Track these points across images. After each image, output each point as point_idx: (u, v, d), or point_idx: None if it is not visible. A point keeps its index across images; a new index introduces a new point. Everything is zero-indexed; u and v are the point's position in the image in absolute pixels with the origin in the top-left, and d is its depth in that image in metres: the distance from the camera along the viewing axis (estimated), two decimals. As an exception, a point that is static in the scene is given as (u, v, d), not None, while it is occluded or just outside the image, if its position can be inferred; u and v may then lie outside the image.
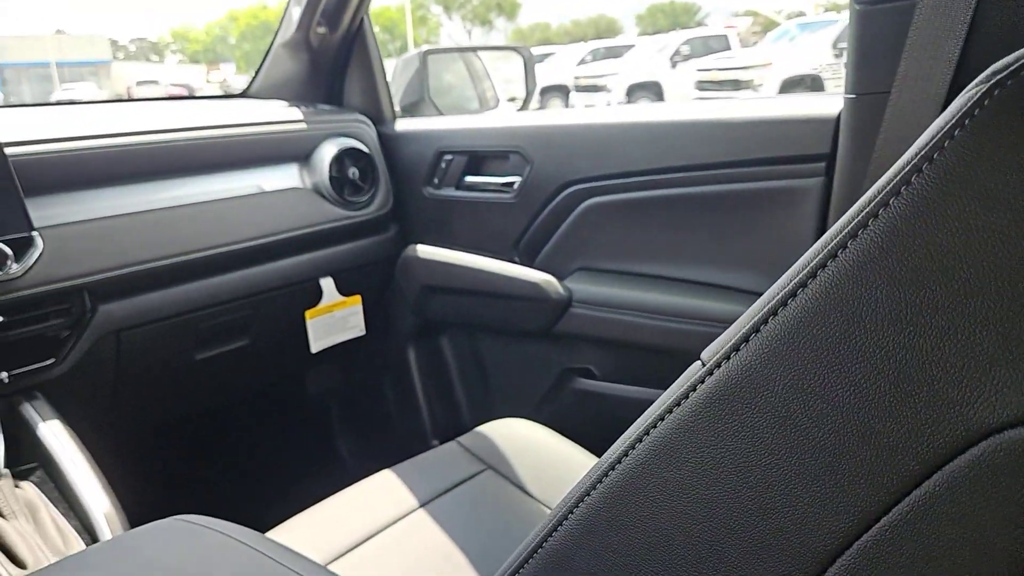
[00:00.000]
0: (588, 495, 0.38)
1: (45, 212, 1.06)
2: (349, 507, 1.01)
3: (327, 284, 1.47)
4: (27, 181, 1.03)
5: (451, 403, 1.66)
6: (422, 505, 0.99)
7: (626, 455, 0.35)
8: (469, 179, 1.46)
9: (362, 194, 1.48)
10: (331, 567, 0.89)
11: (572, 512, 0.39)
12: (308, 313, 1.45)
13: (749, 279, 1.12)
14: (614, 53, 14.63)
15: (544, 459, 1.07)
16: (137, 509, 0.97)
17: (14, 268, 1.00)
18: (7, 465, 0.91)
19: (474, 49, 2.40)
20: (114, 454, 1.04)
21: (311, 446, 1.90)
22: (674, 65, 12.70)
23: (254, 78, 1.65)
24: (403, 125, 1.58)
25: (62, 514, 0.92)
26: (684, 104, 1.37)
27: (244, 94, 1.67)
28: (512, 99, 2.76)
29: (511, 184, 1.39)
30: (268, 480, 1.75)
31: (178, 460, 1.65)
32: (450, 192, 1.49)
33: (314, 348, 1.48)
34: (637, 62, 13.28)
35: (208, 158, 1.30)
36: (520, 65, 1.84)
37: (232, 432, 1.80)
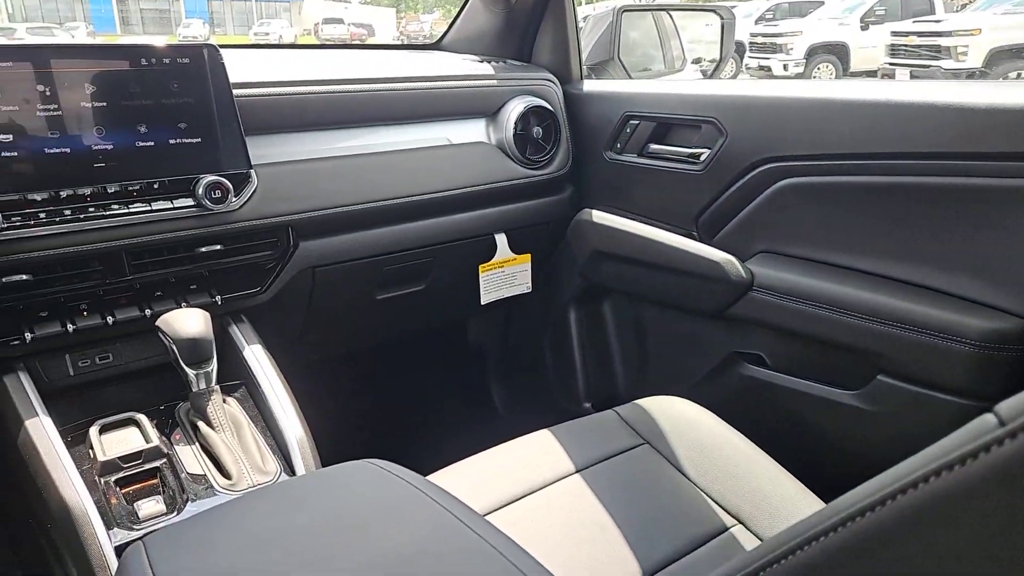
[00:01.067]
0: (821, 539, 0.35)
1: (260, 151, 1.15)
2: (507, 462, 1.04)
3: (501, 240, 1.49)
4: (247, 121, 1.11)
5: (607, 370, 1.66)
6: (578, 471, 1.00)
7: (882, 504, 0.32)
8: (654, 147, 1.42)
9: (543, 154, 1.48)
10: (488, 519, 0.93)
11: (794, 554, 0.36)
12: (481, 267, 1.49)
13: (970, 286, 1.01)
14: (799, 11, 13.54)
15: (705, 442, 1.04)
16: (313, 433, 1.05)
17: (233, 202, 1.09)
18: (216, 381, 1.01)
19: (670, 7, 2.30)
20: (297, 380, 1.13)
21: (467, 394, 1.97)
22: (866, 27, 11.57)
23: (447, 30, 1.68)
24: (590, 86, 1.55)
25: (260, 431, 1.01)
26: (908, 83, 1.23)
27: (437, 46, 1.70)
28: (697, 60, 2.64)
29: (699, 156, 1.33)
30: (427, 422, 1.85)
31: (350, 393, 1.77)
32: (632, 158, 1.45)
33: (484, 300, 1.52)
34: (823, 21, 12.22)
35: (404, 109, 1.35)
36: (716, 26, 1.74)
37: (398, 372, 1.90)
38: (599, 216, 1.51)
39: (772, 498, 0.94)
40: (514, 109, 1.43)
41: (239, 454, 0.95)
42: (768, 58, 12.66)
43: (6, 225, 0.92)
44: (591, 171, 1.54)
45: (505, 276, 1.54)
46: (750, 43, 13.33)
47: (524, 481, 0.98)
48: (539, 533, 0.88)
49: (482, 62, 1.52)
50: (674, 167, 1.38)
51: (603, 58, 1.65)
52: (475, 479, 0.99)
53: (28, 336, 0.99)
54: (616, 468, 1.01)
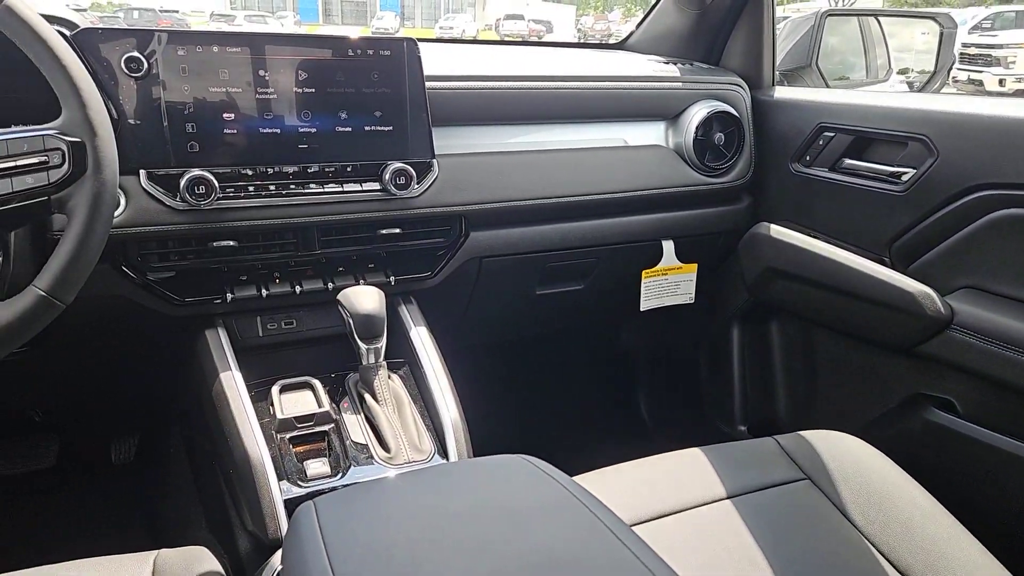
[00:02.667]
0: None
1: (442, 142, 1.19)
2: (656, 476, 1.01)
3: (668, 247, 1.45)
4: (434, 112, 1.15)
5: (768, 394, 1.57)
6: (730, 497, 0.95)
7: None
8: (849, 162, 1.31)
9: (723, 161, 1.41)
10: (634, 530, 0.90)
11: None
12: (644, 272, 1.46)
13: None
14: None
15: (875, 486, 0.95)
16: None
17: (415, 189, 1.14)
18: (384, 357, 1.07)
19: (881, 13, 2.12)
20: (453, 363, 1.17)
21: (615, 399, 1.95)
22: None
23: (634, 30, 1.65)
24: (782, 93, 1.47)
25: (418, 411, 1.05)
26: None
27: (622, 46, 1.68)
28: (904, 71, 2.42)
29: (901, 175, 1.21)
30: (572, 421, 1.84)
31: (500, 382, 1.81)
32: (822, 172, 1.35)
33: (643, 306, 1.48)
34: (1058, 34, 10.80)
35: (583, 108, 1.34)
36: (933, 35, 1.58)
37: (548, 368, 1.92)
38: (777, 231, 1.42)
39: (951, 561, 0.84)
40: (697, 113, 1.38)
41: (398, 429, 0.99)
42: (981, 71, 11.42)
43: (221, 195, 1.01)
44: (773, 183, 1.46)
45: (668, 284, 1.50)
46: (960, 54, 12.09)
47: (672, 498, 0.95)
48: (685, 555, 0.85)
49: (667, 63, 1.48)
50: (870, 186, 1.27)
51: (798, 64, 1.56)
52: (623, 488, 0.97)
53: (229, 296, 1.09)
54: (772, 501, 0.95)
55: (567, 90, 1.31)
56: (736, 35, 1.52)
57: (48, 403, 1.52)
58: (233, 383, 1.00)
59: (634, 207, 1.38)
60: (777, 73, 1.55)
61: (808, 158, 1.38)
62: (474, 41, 4.57)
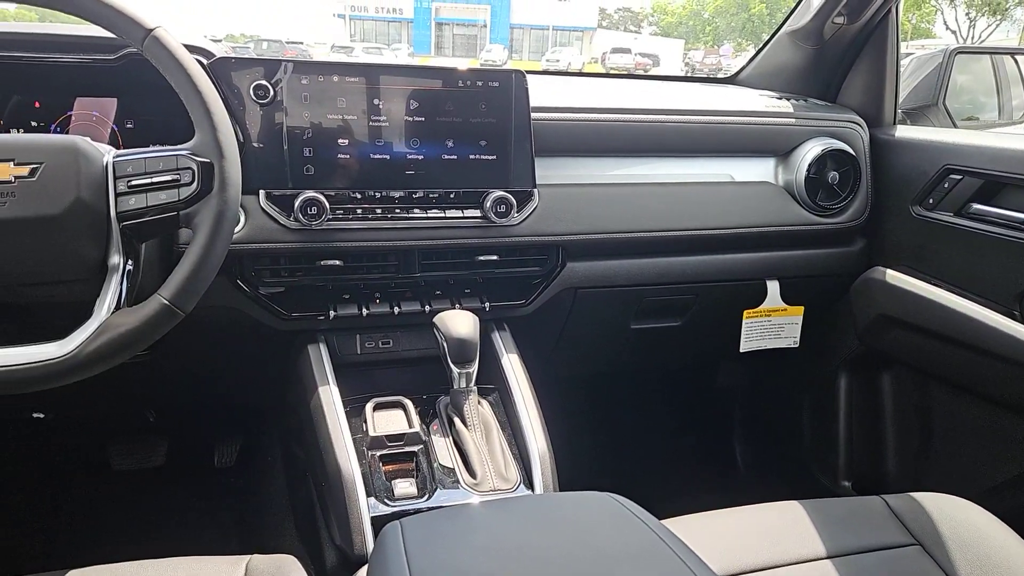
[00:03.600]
0: None
1: (543, 172, 1.20)
2: (750, 527, 0.96)
3: (773, 287, 1.39)
4: (536, 142, 1.16)
5: (876, 449, 1.47)
6: (830, 557, 0.90)
7: None
8: (978, 207, 1.22)
9: (836, 201, 1.35)
10: None
11: None
12: (746, 312, 1.41)
13: None
14: None
15: (996, 559, 0.87)
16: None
17: (515, 217, 1.15)
18: (475, 382, 1.07)
19: (1016, 51, 1.99)
20: (542, 393, 1.16)
21: (708, 441, 1.88)
22: None
23: (746, 65, 1.62)
24: (904, 132, 1.39)
25: (506, 439, 1.05)
26: None
27: (733, 80, 1.65)
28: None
29: (1038, 223, 1.12)
30: (661, 461, 1.79)
31: (589, 415, 1.79)
32: (946, 217, 1.27)
33: (743, 348, 1.43)
34: None
35: (688, 142, 1.32)
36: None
37: (639, 404, 1.88)
38: (893, 276, 1.34)
39: None
40: (810, 151, 1.33)
41: (485, 456, 0.99)
42: None
43: (331, 216, 1.06)
44: (891, 226, 1.38)
45: (771, 326, 1.44)
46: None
47: (767, 552, 0.90)
48: None
49: (780, 99, 1.43)
50: (1000, 233, 1.18)
51: (923, 103, 1.47)
52: (714, 536, 0.93)
53: (332, 313, 1.13)
54: (877, 565, 0.89)
55: (672, 123, 1.29)
56: (856, 71, 1.46)
57: (162, 405, 1.61)
58: (330, 398, 1.03)
59: (738, 244, 1.34)
60: (899, 112, 1.47)
61: (931, 201, 1.30)
62: (579, 73, 4.61)
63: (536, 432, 1.04)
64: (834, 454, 1.52)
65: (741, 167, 1.37)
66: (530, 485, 0.99)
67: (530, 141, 1.15)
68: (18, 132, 1.08)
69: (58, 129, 1.09)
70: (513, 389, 1.10)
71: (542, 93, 1.21)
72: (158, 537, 1.50)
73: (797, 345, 1.46)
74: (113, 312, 0.78)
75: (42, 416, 1.35)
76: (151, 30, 0.78)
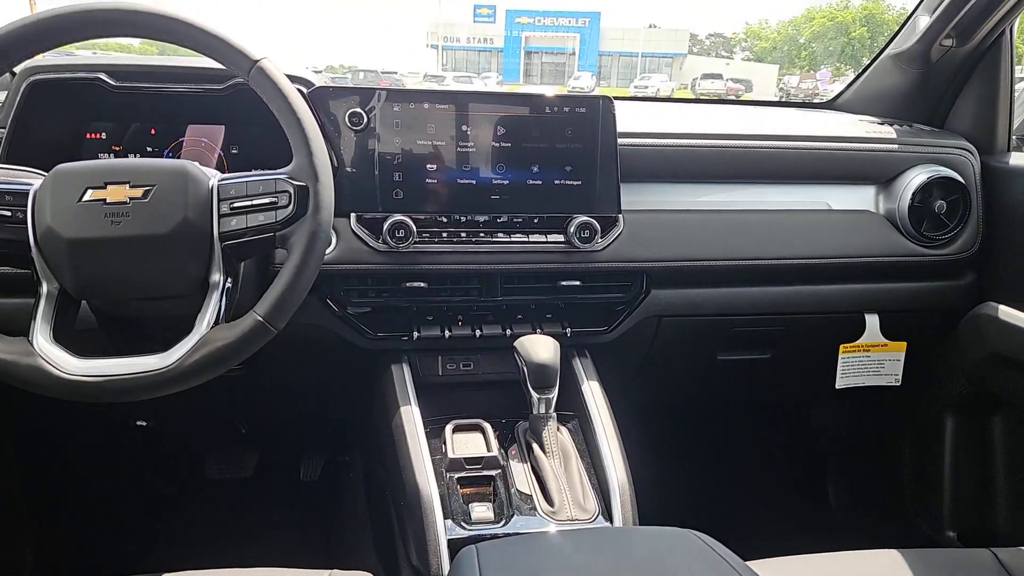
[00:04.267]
0: None
1: (629, 197, 1.18)
2: (844, 573, 0.91)
3: (872, 321, 1.32)
4: (623, 168, 1.15)
5: (986, 498, 1.36)
6: None
7: None
8: None
9: (943, 231, 1.28)
10: None
11: None
12: (842, 347, 1.34)
13: None
14: None
15: None
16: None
17: (599, 243, 1.15)
18: (554, 408, 1.06)
19: None
20: (623, 422, 1.13)
21: (798, 481, 1.79)
22: None
23: (845, 89, 1.56)
24: (1020, 159, 1.30)
25: (584, 468, 1.03)
26: None
27: (831, 105, 1.60)
28: None
29: None
30: (747, 498, 1.72)
31: (672, 447, 1.73)
32: None
33: (839, 384, 1.36)
34: None
35: (782, 168, 1.28)
36: None
37: (725, 438, 1.81)
38: (1007, 313, 1.25)
39: None
40: (915, 178, 1.26)
41: (563, 484, 0.98)
42: None
43: (418, 239, 1.08)
44: (1005, 258, 1.29)
45: (870, 362, 1.36)
46: None
47: None
48: None
49: (882, 124, 1.37)
50: None
51: (1042, 127, 1.38)
52: None
53: (415, 334, 1.15)
54: None
55: (764, 149, 1.26)
56: (965, 96, 1.38)
57: (253, 418, 1.68)
58: (412, 418, 1.05)
59: (834, 275, 1.28)
60: (1014, 138, 1.38)
61: None
62: (668, 99, 4.57)
63: (616, 462, 1.01)
64: (938, 501, 1.42)
65: (838, 195, 1.31)
66: (609, 517, 0.96)
67: (616, 166, 1.15)
68: (135, 156, 1.16)
69: (170, 154, 1.17)
70: (593, 417, 1.09)
71: (629, 118, 1.20)
72: (245, 545, 1.55)
73: (899, 383, 1.38)
74: (212, 327, 0.81)
75: (145, 424, 1.43)
76: (257, 61, 0.83)
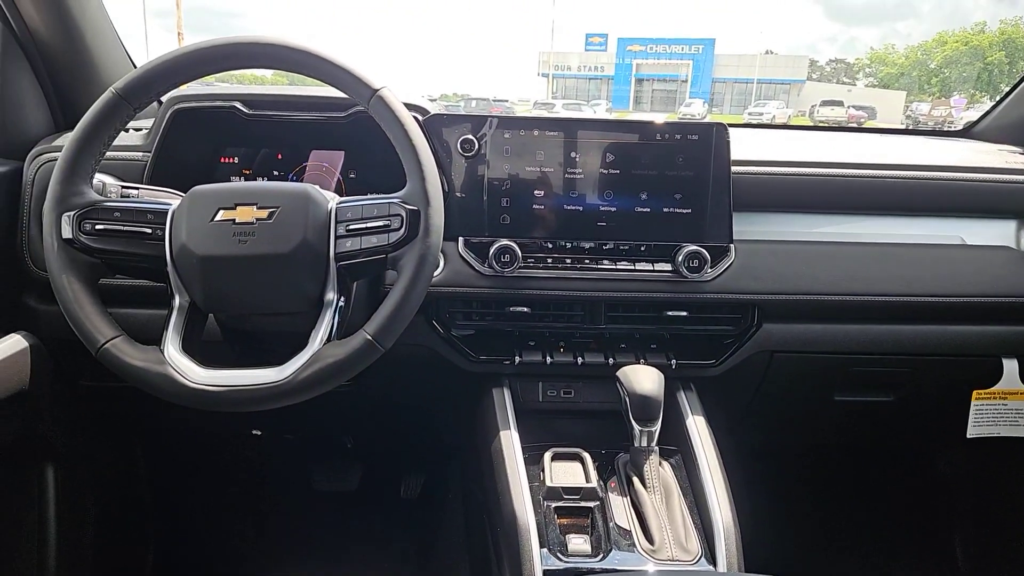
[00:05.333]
0: None
1: (741, 227, 1.14)
2: None
3: (1010, 366, 1.21)
4: (736, 196, 1.12)
5: None
6: None
7: None
8: None
9: None
10: None
11: None
12: (975, 393, 1.23)
13: None
14: None
15: None
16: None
17: (708, 273, 1.11)
18: (657, 442, 1.03)
19: None
20: (729, 461, 1.08)
21: (921, 532, 1.65)
22: None
23: (983, 117, 1.45)
24: None
25: (687, 506, 0.99)
26: None
27: (966, 133, 1.49)
28: None
29: None
30: (863, 548, 1.60)
31: (779, 490, 1.64)
32: None
33: (970, 433, 1.25)
34: None
35: (910, 200, 1.20)
36: None
37: (839, 483, 1.70)
38: None
39: None
40: None
41: (664, 521, 0.94)
42: None
43: (523, 264, 1.09)
44: None
45: (1007, 411, 1.25)
46: None
47: None
48: None
49: None
50: None
51: None
52: None
53: (517, 359, 1.15)
54: None
55: (890, 179, 1.19)
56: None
57: (359, 433, 1.73)
58: (511, 443, 1.04)
59: (967, 315, 1.18)
60: None
61: None
62: (784, 126, 4.41)
63: (722, 502, 0.97)
64: None
65: (974, 229, 1.22)
66: (712, 560, 0.92)
67: (729, 195, 1.11)
68: (264, 179, 1.23)
69: (294, 177, 1.23)
70: (698, 453, 1.05)
71: (743, 146, 1.17)
72: (345, 558, 1.59)
73: None
74: (325, 343, 0.85)
75: (259, 433, 1.50)
76: (377, 90, 0.86)
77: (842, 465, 1.68)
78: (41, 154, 1.14)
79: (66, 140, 0.86)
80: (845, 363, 1.22)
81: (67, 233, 0.83)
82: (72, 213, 0.84)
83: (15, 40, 1.17)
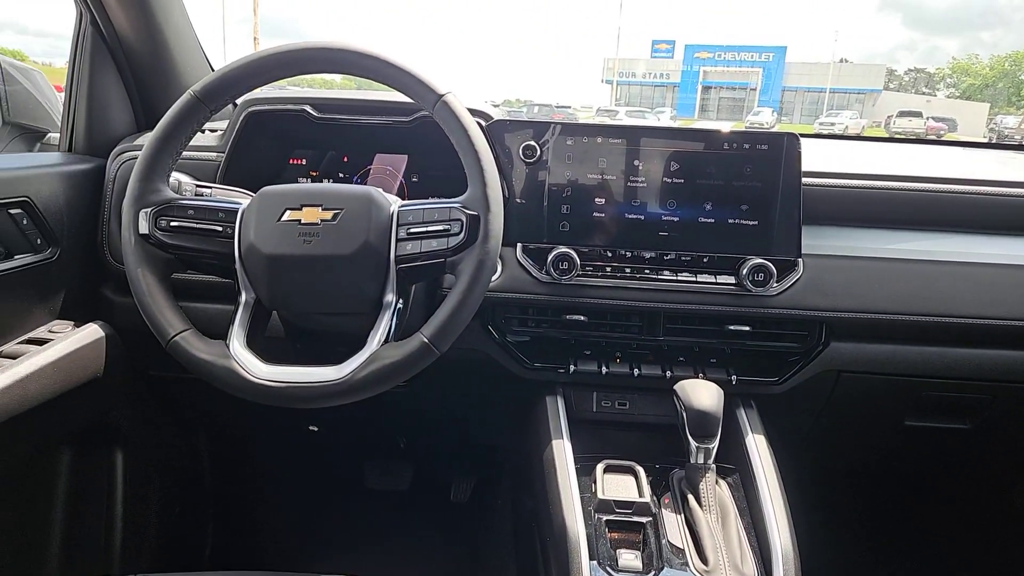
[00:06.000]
0: None
1: (811, 241, 1.11)
2: None
3: None
4: (805, 209, 1.08)
5: None
6: None
7: None
8: None
9: None
10: None
11: None
12: (1061, 424, 1.16)
13: None
14: None
15: None
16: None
17: (774, 287, 1.08)
18: (714, 460, 1.00)
19: None
20: (789, 484, 1.05)
21: (998, 569, 1.56)
22: None
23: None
24: None
25: (744, 527, 0.96)
26: None
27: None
28: None
29: None
30: None
31: (845, 516, 1.58)
32: None
33: None
34: None
35: (993, 217, 1.15)
36: None
37: (910, 513, 1.62)
38: None
39: None
40: None
41: (720, 542, 0.91)
42: None
43: (581, 272, 1.08)
44: None
45: (1096, 446, 1.17)
46: None
47: None
48: None
49: None
50: None
51: None
52: None
53: (572, 368, 1.14)
54: None
55: (970, 195, 1.13)
56: None
57: (412, 434, 1.75)
58: (563, 453, 1.03)
59: None
60: None
61: None
62: (858, 137, 4.28)
63: (781, 525, 0.94)
64: None
65: None
66: None
67: (798, 207, 1.08)
68: (329, 181, 1.26)
69: (358, 180, 1.26)
70: (757, 474, 1.01)
71: (813, 157, 1.13)
72: (395, 555, 1.60)
73: None
74: (382, 345, 0.86)
75: (316, 429, 1.53)
76: (442, 95, 0.87)
77: (910, 494, 1.60)
78: (123, 152, 1.19)
79: (146, 140, 0.89)
80: (918, 387, 1.17)
81: (143, 229, 0.87)
82: (149, 210, 0.87)
83: (104, 44, 1.23)
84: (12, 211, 1.03)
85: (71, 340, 1.08)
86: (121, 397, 1.27)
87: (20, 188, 1.05)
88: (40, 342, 1.06)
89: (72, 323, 1.13)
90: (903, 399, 1.19)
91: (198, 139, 1.00)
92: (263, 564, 0.89)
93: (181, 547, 1.55)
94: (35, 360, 1.00)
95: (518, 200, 1.10)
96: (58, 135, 1.33)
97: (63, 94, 1.27)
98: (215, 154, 1.18)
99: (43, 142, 1.75)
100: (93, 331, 1.13)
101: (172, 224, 0.87)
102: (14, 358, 1.00)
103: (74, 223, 1.15)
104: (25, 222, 1.05)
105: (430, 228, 0.86)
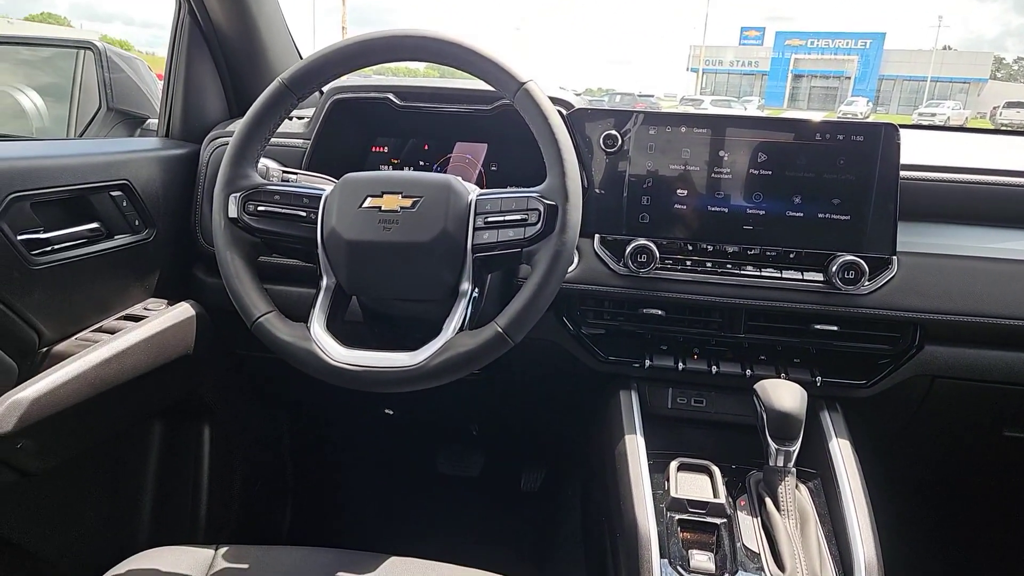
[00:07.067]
0: None
1: (907, 238, 1.05)
2: None
3: None
4: (902, 205, 1.03)
5: None
6: None
7: None
8: None
9: None
10: None
11: None
12: None
13: None
14: None
15: None
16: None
17: (865, 286, 1.03)
18: (794, 463, 0.96)
19: None
20: (875, 490, 0.99)
21: None
22: None
23: None
24: None
25: (824, 535, 0.92)
26: None
27: None
28: None
29: None
30: None
31: (936, 529, 1.50)
32: None
33: None
34: None
35: None
36: None
37: (1007, 528, 1.52)
38: None
39: None
40: None
41: (798, 548, 0.88)
42: None
43: (660, 266, 1.05)
44: None
45: None
46: None
47: None
48: None
49: None
50: None
51: None
52: None
53: (647, 363, 1.12)
54: None
55: None
56: None
57: (484, 422, 1.76)
58: (636, 449, 1.02)
59: None
60: None
61: None
62: (961, 129, 4.03)
63: (865, 535, 0.89)
64: None
65: None
66: None
67: (895, 202, 1.02)
68: (410, 169, 1.27)
69: (438, 168, 1.27)
70: (840, 480, 0.97)
71: (912, 149, 1.07)
72: (464, 541, 1.62)
73: None
74: (457, 333, 0.86)
75: (391, 413, 1.56)
76: (523, 83, 0.86)
77: (1008, 507, 1.50)
78: (216, 138, 1.24)
79: (237, 126, 0.93)
80: (1019, 395, 1.09)
81: (233, 213, 0.90)
82: (238, 194, 0.90)
83: (200, 34, 1.28)
84: (113, 193, 1.09)
85: (165, 317, 1.14)
86: (209, 374, 1.33)
87: (121, 172, 1.10)
88: (136, 319, 1.12)
89: (166, 301, 1.19)
90: (1003, 408, 1.12)
91: (286, 126, 1.03)
92: (338, 543, 0.92)
93: (261, 522, 1.61)
94: (131, 335, 1.06)
95: (597, 190, 1.08)
96: (157, 121, 1.39)
97: (162, 82, 1.34)
98: (301, 140, 1.21)
99: (143, 127, 1.85)
100: (185, 309, 1.19)
101: (259, 209, 0.90)
102: (112, 333, 1.06)
103: (169, 206, 1.20)
104: (125, 204, 1.11)
105: (507, 217, 0.85)
